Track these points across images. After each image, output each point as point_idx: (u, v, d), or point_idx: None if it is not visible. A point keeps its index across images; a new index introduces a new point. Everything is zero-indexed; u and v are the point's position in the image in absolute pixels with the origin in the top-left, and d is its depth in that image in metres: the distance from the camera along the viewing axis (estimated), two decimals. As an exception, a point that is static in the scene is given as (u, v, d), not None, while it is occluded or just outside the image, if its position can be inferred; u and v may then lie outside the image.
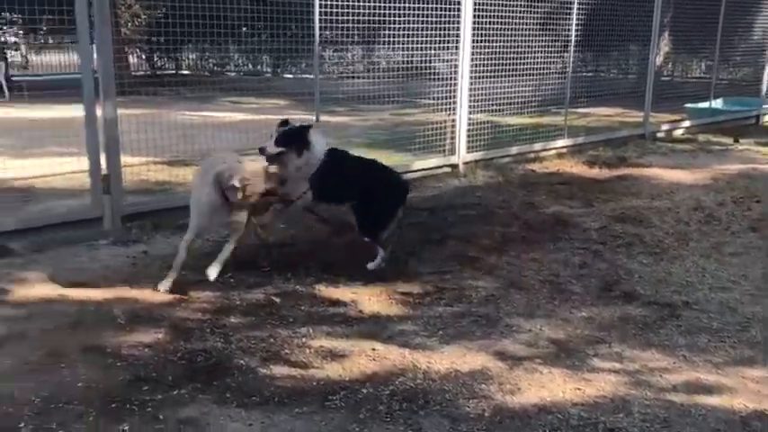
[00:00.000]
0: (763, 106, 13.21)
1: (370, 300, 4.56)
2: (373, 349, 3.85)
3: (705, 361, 3.76)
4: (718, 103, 12.81)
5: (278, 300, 4.51)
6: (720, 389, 3.47)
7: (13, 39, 18.85)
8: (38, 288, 4.62)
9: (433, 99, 8.29)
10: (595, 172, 8.76)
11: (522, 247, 5.67)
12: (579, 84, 10.16)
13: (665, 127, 11.48)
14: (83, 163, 5.74)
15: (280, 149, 4.96)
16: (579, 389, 3.47)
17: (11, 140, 6.58)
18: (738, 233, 6.09)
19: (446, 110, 8.24)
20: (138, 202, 6.32)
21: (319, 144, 5.13)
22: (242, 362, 3.68)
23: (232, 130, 7.72)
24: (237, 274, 4.95)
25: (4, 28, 18.33)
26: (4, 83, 15.18)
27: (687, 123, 11.80)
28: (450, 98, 8.17)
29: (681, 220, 6.49)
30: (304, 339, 3.96)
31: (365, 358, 3.76)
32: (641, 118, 11.20)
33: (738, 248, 5.67)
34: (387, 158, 8.25)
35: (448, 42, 8.00)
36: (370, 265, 5.11)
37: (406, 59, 8.66)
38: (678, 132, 11.63)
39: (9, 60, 17.49)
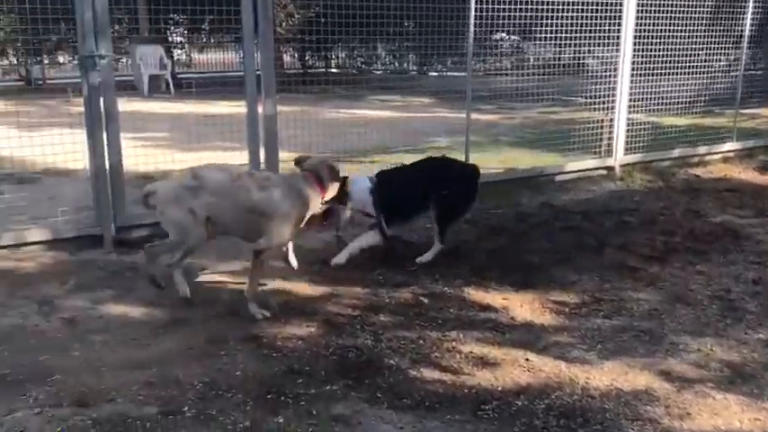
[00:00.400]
0: None
1: (521, 307, 4.40)
2: (527, 359, 3.69)
3: None
4: None
5: (426, 300, 4.46)
6: None
7: (179, 38, 20.23)
8: (200, 276, 4.84)
9: (588, 97, 7.92)
10: (766, 179, 8.03)
11: (687, 258, 5.27)
12: (751, 82, 9.35)
13: None
14: (244, 157, 5.97)
15: (325, 207, 4.81)
16: (759, 420, 3.14)
17: (178, 134, 6.98)
18: None
19: (602, 109, 7.84)
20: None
21: (357, 186, 5.08)
22: (392, 362, 3.65)
23: (379, 128, 7.77)
24: (385, 271, 4.95)
25: (172, 28, 19.71)
26: (170, 80, 16.24)
27: None
28: (609, 96, 7.76)
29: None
30: (454, 344, 3.87)
31: (518, 368, 3.60)
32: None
33: None
34: (537, 159, 8.06)
35: (608, 38, 7.60)
36: (422, 258, 5.10)
37: (560, 55, 8.36)
38: None
39: (175, 59, 18.74)
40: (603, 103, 7.80)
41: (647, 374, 3.54)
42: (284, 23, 19.07)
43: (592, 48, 7.75)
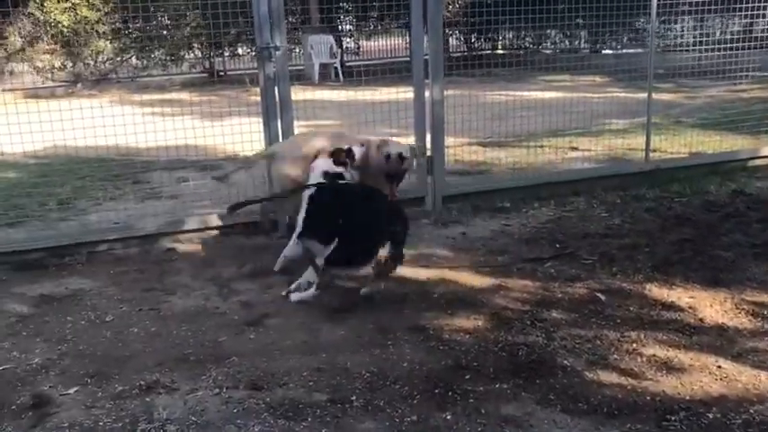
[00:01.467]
0: None
1: (711, 307, 3.99)
2: (719, 366, 3.33)
3: None
4: None
5: (603, 297, 4.16)
6: None
7: (348, 27, 20.74)
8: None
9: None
10: None
11: None
12: None
13: None
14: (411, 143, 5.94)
15: None
16: None
17: (347, 121, 7.10)
18: None
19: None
20: (458, 183, 6.40)
21: None
22: (566, 362, 3.44)
23: (548, 110, 7.42)
24: (558, 264, 4.70)
25: (341, 17, 20.25)
26: (340, 68, 16.68)
27: None
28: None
29: None
30: (634, 345, 3.58)
31: (709, 376, 3.26)
32: None
33: None
34: (725, 142, 7.34)
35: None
36: None
37: (750, 27, 7.55)
38: None
39: (344, 47, 19.22)
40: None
41: None
42: (451, 6, 18.95)
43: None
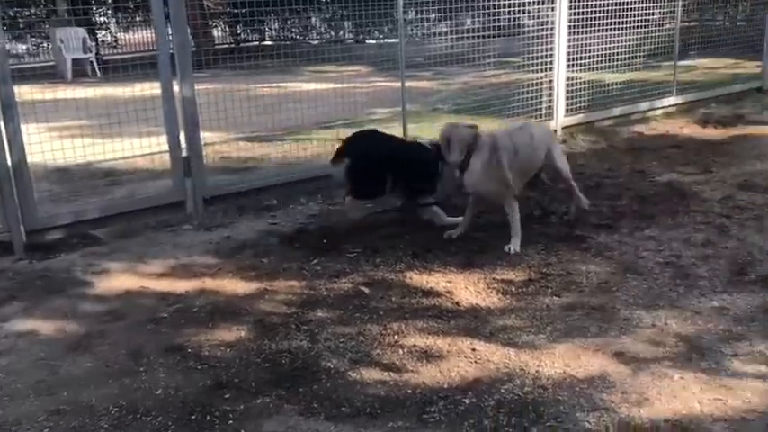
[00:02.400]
0: None
1: (466, 289, 4.14)
2: (473, 349, 3.44)
3: None
4: None
5: (367, 290, 4.16)
6: None
7: (103, 18, 19.25)
8: (119, 280, 4.45)
9: (524, 58, 7.65)
10: (710, 132, 7.96)
11: (636, 223, 5.09)
12: (687, 34, 9.24)
13: (787, 78, 10.35)
14: (163, 141, 5.54)
15: None
16: (720, 399, 2.95)
17: (97, 121, 6.49)
18: None
19: (541, 69, 7.59)
20: (222, 182, 6.10)
21: None
22: (330, 364, 3.36)
23: (314, 102, 7.38)
24: (323, 260, 4.63)
25: (94, 8, 18.72)
26: (96, 63, 15.43)
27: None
28: (546, 56, 7.52)
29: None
30: (396, 337, 3.59)
31: (465, 360, 3.35)
32: (757, 69, 10.14)
33: None
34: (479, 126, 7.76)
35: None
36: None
37: (495, 17, 8.07)
38: (802, 83, 10.47)
39: (100, 40, 17.83)
40: (542, 63, 7.55)
41: (600, 357, 3.33)
42: (212, -4, 18.33)
43: (527, 7, 7.48)
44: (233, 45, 17.91)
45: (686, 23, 10.18)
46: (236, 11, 16.27)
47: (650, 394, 3.01)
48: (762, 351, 3.31)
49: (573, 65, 7.75)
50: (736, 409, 2.87)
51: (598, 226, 5.06)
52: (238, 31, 18.75)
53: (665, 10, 8.66)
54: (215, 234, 5.27)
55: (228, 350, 3.53)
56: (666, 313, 3.74)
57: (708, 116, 8.69)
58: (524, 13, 7.70)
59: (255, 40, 18.43)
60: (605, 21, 7.85)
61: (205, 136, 6.56)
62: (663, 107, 8.73)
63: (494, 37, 7.95)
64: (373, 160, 5.15)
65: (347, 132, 8.03)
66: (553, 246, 4.75)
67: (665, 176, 6.19)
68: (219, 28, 18.64)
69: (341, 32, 16.66)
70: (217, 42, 17.15)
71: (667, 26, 8.78)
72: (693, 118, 8.59)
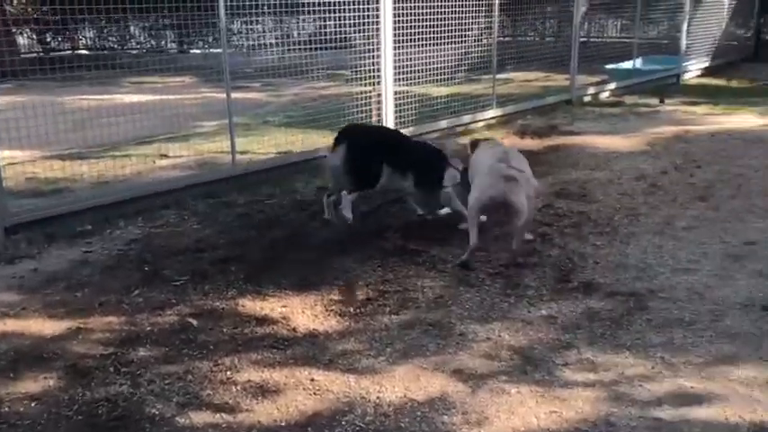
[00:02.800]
0: (683, 64, 13.16)
1: (303, 313, 3.97)
2: (312, 380, 3.28)
3: (685, 363, 3.37)
4: (637, 63, 12.58)
5: (195, 322, 3.86)
6: (709, 398, 3.08)
7: None
8: None
9: (353, 71, 7.64)
10: (528, 143, 8.37)
11: (466, 234, 5.16)
12: (504, 48, 9.72)
13: (591, 90, 11.21)
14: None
15: None
16: (555, 411, 3.00)
17: None
18: (687, 204, 5.78)
19: (370, 83, 7.61)
20: (26, 207, 5.47)
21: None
22: (155, 410, 3.04)
23: (134, 115, 6.88)
24: (145, 290, 4.26)
25: None
26: None
27: (612, 86, 11.58)
28: (373, 69, 7.54)
29: (625, 192, 6.15)
30: (229, 373, 3.34)
31: (303, 393, 3.17)
32: (566, 82, 10.89)
33: (691, 222, 5.35)
34: (310, 140, 7.63)
35: (367, 9, 7.35)
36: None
37: (320, 29, 8.01)
38: (604, 95, 11.40)
39: None
40: (370, 77, 7.57)
41: (440, 376, 3.29)
42: (15, 1, 16.80)
43: (352, 20, 7.46)
44: (41, 54, 16.48)
45: (502, 39, 10.75)
46: (44, 17, 15.02)
47: (489, 413, 3.01)
48: (589, 358, 3.43)
49: (400, 79, 7.84)
50: (571, 421, 2.93)
51: (432, 239, 5.09)
52: (47, 39, 17.30)
53: (483, 26, 9.03)
54: (19, 267, 4.70)
55: (34, 404, 3.10)
56: (499, 325, 3.79)
57: (525, 127, 9.15)
58: (350, 26, 7.67)
59: (68, 49, 17.10)
60: (429, 36, 8.02)
61: (6, 155, 5.92)
62: (484, 119, 9.10)
63: (323, 49, 7.88)
64: (370, 146, 5.26)
65: (170, 147, 7.64)
66: (389, 261, 4.70)
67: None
68: (26, 35, 17.09)
69: (163, 42, 15.90)
70: (23, 51, 15.68)
71: (485, 41, 9.15)
72: (512, 129, 9.02)
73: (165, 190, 6.01)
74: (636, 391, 3.13)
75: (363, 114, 7.58)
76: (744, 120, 9.32)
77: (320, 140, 7.53)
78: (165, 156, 7.44)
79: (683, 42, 13.09)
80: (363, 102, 7.59)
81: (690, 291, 4.15)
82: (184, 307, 4.05)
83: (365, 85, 7.62)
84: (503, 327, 3.77)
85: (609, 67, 12.12)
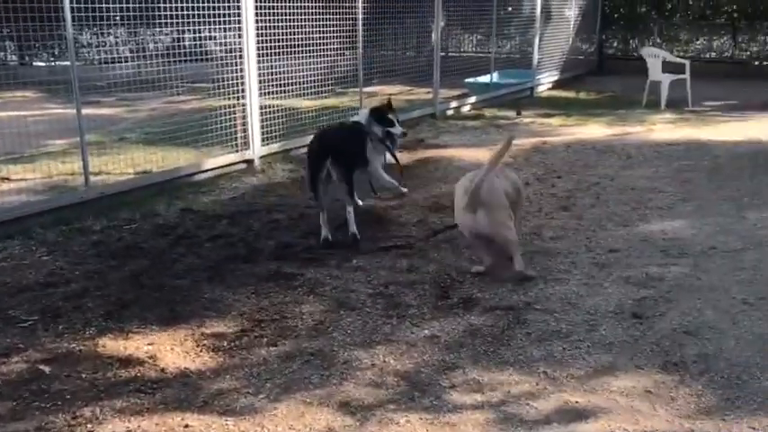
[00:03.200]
0: (536, 78, 13.80)
1: (172, 350, 3.66)
2: (186, 426, 2.99)
3: (567, 376, 3.40)
4: (494, 77, 13.01)
5: (48, 369, 3.45)
6: (594, 411, 3.10)
7: None
8: None
9: (217, 85, 7.31)
10: (397, 156, 8.37)
11: (343, 253, 5.04)
12: (369, 62, 9.72)
13: (453, 104, 11.47)
14: None
15: None
16: (446, 438, 2.92)
17: None
18: (552, 214, 5.97)
19: (234, 97, 7.31)
20: None
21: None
22: (0, 479, 2.65)
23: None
24: (-13, 335, 3.77)
25: None
26: None
27: (473, 99, 11.91)
28: (238, 82, 7.25)
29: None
30: (90, 426, 2.99)
31: (177, 441, 2.89)
32: (428, 96, 11.08)
33: (558, 232, 5.51)
34: (171, 158, 7.23)
35: (229, 20, 7.06)
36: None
37: (178, 41, 7.63)
38: (465, 109, 11.70)
39: None
40: (234, 90, 7.27)
41: (325, 411, 3.11)
42: None
43: (214, 31, 7.16)
44: None
45: (367, 52, 10.76)
46: None
47: (381, 446, 2.87)
48: (475, 378, 3.38)
49: (265, 92, 7.60)
50: (463, 448, 2.85)
51: (307, 260, 4.90)
52: None
53: (348, 38, 8.97)
54: None
55: None
56: (384, 349, 3.68)
57: (393, 140, 9.17)
58: (210, 39, 7.37)
59: None
60: (294, 48, 7.85)
61: None
62: (353, 133, 9.02)
63: (183, 62, 7.49)
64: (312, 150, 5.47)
65: (13, 169, 6.94)
66: (263, 287, 4.47)
67: (364, 203, 6.29)
68: None
69: (2, 54, 14.63)
70: None
71: (351, 54, 9.10)
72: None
73: (6, 218, 5.41)
74: (524, 410, 3.11)
75: (228, 130, 7.27)
76: (594, 130, 9.85)
77: (182, 158, 7.17)
78: (7, 179, 6.76)
79: (536, 57, 13.74)
80: (228, 117, 7.27)
81: (563, 301, 4.24)
82: (34, 352, 3.61)
83: (229, 98, 7.32)
84: (387, 351, 3.66)
85: (468, 81, 12.46)
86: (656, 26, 16.91)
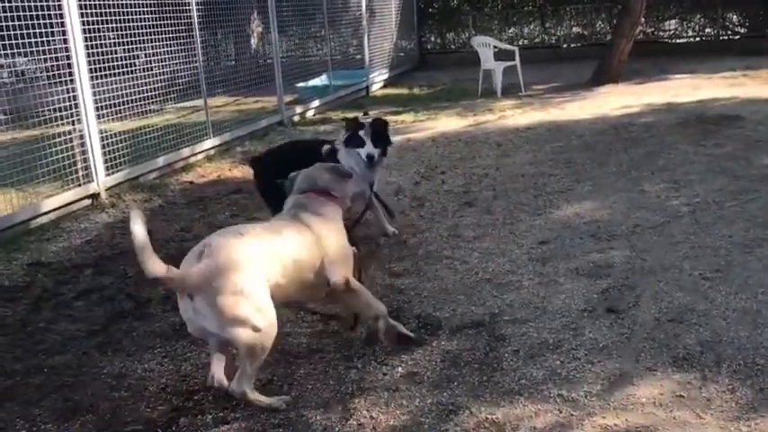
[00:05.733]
0: (370, 76, 13.51)
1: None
2: None
3: (586, 396, 2.93)
4: (327, 79, 12.46)
5: None
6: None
7: None
8: None
9: (43, 110, 6.09)
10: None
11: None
12: (210, 72, 8.80)
13: (298, 110, 10.80)
14: None
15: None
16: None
17: None
18: (460, 212, 5.56)
19: (68, 122, 6.13)
20: None
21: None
22: None
23: None
24: None
25: None
26: None
27: (316, 103, 11.31)
28: (71, 105, 6.08)
29: (395, 210, 5.70)
30: None
31: None
32: (269, 104, 10.33)
33: (476, 230, 5.09)
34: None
35: (51, 35, 5.88)
36: None
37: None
38: (310, 114, 11.08)
39: None
40: (67, 115, 6.09)
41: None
42: None
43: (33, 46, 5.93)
44: None
45: (206, 61, 9.73)
46: None
47: None
48: (487, 418, 2.81)
49: (103, 114, 6.48)
50: None
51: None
52: None
53: (185, 50, 7.99)
54: None
55: None
56: (362, 402, 3.00)
57: (247, 155, 8.34)
58: (28, 55, 6.13)
59: None
60: (130, 62, 6.80)
61: None
62: (203, 150, 8.08)
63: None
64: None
65: None
66: (174, 347, 3.57)
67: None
68: None
69: None
70: None
71: (192, 65, 8.12)
72: (236, 158, 8.16)
73: None
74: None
75: (63, 162, 6.06)
76: (449, 123, 9.68)
77: (12, 200, 5.85)
78: None
79: (367, 56, 13.44)
80: (60, 145, 6.06)
81: (529, 306, 3.80)
82: None
83: (59, 125, 6.11)
84: (368, 403, 2.98)
85: (300, 85, 11.74)
86: (469, 18, 17.38)
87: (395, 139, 8.56)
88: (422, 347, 3.41)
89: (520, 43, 16.90)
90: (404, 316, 3.76)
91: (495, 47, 12.45)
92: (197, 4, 8.01)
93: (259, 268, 2.81)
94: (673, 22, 17.09)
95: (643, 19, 13.08)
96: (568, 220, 5.17)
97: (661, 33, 17.23)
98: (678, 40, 17.07)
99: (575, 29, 17.41)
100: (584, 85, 12.37)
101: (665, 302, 3.73)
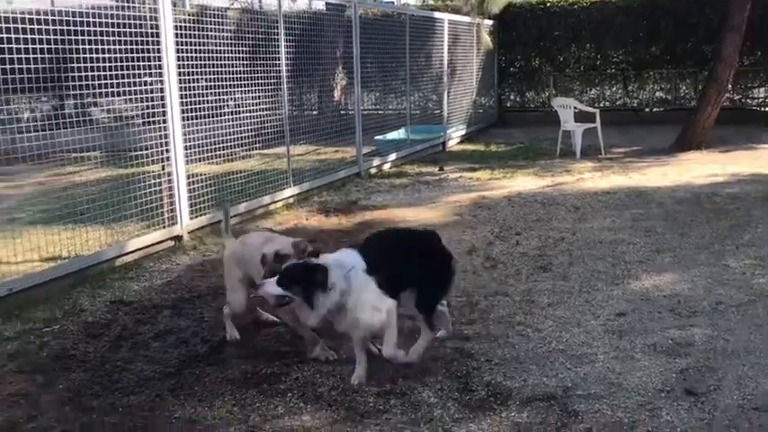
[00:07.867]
0: (447, 132, 13.63)
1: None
2: None
3: None
4: (402, 134, 12.60)
5: None
6: None
7: None
8: None
9: (134, 150, 6.39)
10: (336, 222, 7.72)
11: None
12: (294, 123, 9.06)
13: (376, 162, 10.97)
14: None
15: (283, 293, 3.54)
16: None
17: None
18: (534, 277, 5.48)
19: (159, 164, 6.40)
20: None
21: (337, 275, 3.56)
22: None
23: None
24: None
25: None
26: None
27: (393, 156, 11.46)
28: (161, 148, 6.37)
29: (467, 269, 5.68)
30: None
31: None
32: (347, 155, 10.52)
33: (551, 297, 5.00)
34: (79, 237, 6.15)
35: (149, 75, 6.22)
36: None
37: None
38: (386, 167, 11.23)
39: None
40: (158, 157, 6.37)
41: None
42: None
43: (132, 93, 6.26)
44: None
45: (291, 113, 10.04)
46: None
47: None
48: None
49: (192, 158, 6.76)
50: None
51: (284, 354, 4.09)
52: None
53: (273, 99, 8.29)
54: None
55: None
56: None
57: (324, 204, 8.53)
58: (127, 98, 6.48)
59: None
60: (219, 108, 7.10)
61: None
62: (283, 198, 8.29)
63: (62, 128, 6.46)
64: None
65: None
66: (244, 395, 3.62)
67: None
68: None
69: None
70: None
71: (277, 113, 8.40)
72: (313, 207, 8.33)
73: None
74: None
75: (149, 204, 6.31)
76: (525, 182, 9.64)
77: (100, 238, 6.11)
78: None
79: (446, 111, 13.60)
80: (147, 187, 6.32)
81: (604, 382, 3.69)
82: None
83: (148, 166, 6.40)
84: None
85: (378, 137, 11.93)
86: (550, 78, 17.38)
87: (469, 196, 8.66)
88: (491, 417, 3.35)
89: (601, 105, 16.76)
90: (473, 382, 3.72)
91: (575, 108, 12.39)
92: (286, 55, 8.31)
93: None
94: (762, 90, 16.63)
95: (730, 86, 12.74)
96: (647, 293, 5.02)
97: (749, 101, 16.78)
98: (766, 108, 16.57)
99: (658, 93, 17.15)
100: (666, 150, 12.12)
101: (749, 388, 3.55)
